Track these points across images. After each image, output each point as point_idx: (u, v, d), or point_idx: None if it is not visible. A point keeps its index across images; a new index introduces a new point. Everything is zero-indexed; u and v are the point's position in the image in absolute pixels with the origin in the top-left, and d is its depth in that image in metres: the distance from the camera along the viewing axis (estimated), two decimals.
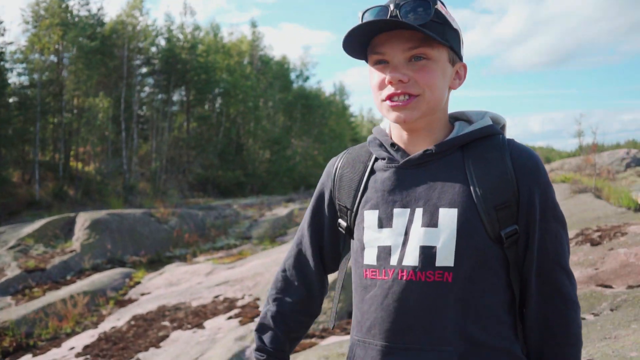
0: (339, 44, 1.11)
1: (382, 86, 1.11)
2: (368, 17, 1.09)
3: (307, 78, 45.14)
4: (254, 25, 40.78)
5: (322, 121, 44.51)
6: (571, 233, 5.94)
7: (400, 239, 1.10)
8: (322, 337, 5.24)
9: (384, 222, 1.13)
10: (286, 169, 37.10)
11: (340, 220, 1.27)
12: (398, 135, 1.19)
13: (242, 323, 5.95)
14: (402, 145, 1.18)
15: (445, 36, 1.09)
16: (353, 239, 1.22)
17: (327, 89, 70.62)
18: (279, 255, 9.06)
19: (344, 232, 1.26)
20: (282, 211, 17.56)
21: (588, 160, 15.63)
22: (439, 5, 1.08)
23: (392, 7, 1.06)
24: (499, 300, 1.10)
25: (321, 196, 1.31)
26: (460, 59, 1.17)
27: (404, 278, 1.07)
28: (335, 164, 1.29)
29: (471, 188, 1.08)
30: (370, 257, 1.14)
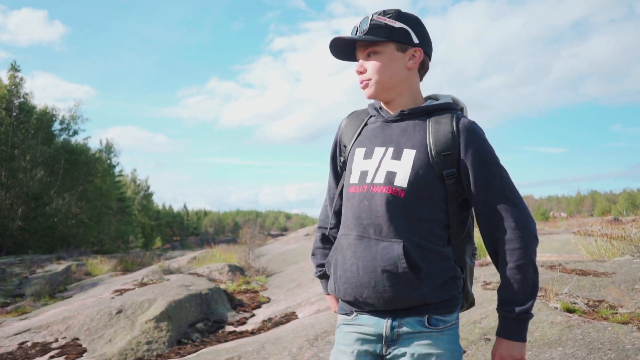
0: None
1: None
2: (346, 33, 1.59)
3: (75, 132, 41.45)
4: (14, 68, 36.18)
5: (88, 178, 41.46)
6: None
7: (375, 166, 1.50)
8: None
9: (367, 155, 1.54)
10: (46, 228, 33.45)
11: (341, 158, 1.70)
12: (384, 103, 1.62)
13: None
14: (386, 108, 1.61)
15: (389, 35, 1.50)
16: (345, 170, 1.65)
17: (93, 145, 65.53)
18: (84, 301, 8.74)
19: (343, 165, 1.69)
20: (56, 268, 16.13)
21: None
22: (380, 17, 1.51)
23: (358, 25, 1.55)
24: (436, 219, 1.47)
25: (335, 144, 1.73)
26: (413, 45, 1.53)
27: (374, 191, 1.47)
28: (344, 120, 1.71)
29: (427, 139, 1.48)
30: (354, 178, 1.54)
